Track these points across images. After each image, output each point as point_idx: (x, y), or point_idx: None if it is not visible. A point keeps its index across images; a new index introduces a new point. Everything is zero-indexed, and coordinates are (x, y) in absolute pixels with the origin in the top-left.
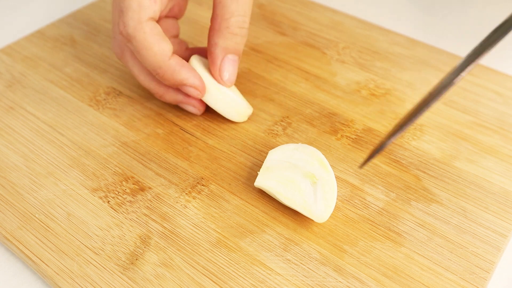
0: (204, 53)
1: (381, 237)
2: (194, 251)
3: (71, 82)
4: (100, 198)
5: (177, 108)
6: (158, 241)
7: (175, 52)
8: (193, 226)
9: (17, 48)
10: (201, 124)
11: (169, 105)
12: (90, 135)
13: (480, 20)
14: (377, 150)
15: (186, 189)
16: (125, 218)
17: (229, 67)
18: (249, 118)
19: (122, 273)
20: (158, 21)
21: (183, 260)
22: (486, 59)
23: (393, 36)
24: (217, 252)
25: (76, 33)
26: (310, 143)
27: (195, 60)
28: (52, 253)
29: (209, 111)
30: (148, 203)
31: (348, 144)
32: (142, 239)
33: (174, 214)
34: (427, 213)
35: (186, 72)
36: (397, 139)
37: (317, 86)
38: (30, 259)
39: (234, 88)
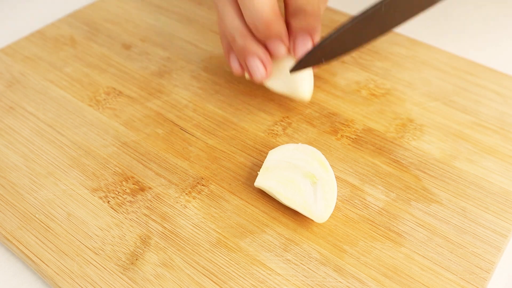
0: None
1: (381, 237)
2: (194, 251)
3: (71, 82)
4: (100, 198)
5: (177, 107)
6: (158, 241)
7: None
8: (193, 226)
9: (17, 48)
10: (201, 124)
11: (169, 105)
12: (90, 135)
13: (480, 20)
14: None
15: (186, 189)
16: (125, 218)
17: (301, 46)
18: (249, 118)
19: (122, 273)
20: None
21: (183, 260)
22: (486, 59)
23: (393, 36)
24: (217, 252)
25: (76, 33)
26: (310, 143)
27: None
28: (52, 253)
29: (209, 111)
30: (148, 203)
31: (348, 144)
32: (142, 239)
33: (174, 214)
34: (427, 213)
35: (283, 25)
36: (397, 139)
37: (317, 86)
38: (30, 259)
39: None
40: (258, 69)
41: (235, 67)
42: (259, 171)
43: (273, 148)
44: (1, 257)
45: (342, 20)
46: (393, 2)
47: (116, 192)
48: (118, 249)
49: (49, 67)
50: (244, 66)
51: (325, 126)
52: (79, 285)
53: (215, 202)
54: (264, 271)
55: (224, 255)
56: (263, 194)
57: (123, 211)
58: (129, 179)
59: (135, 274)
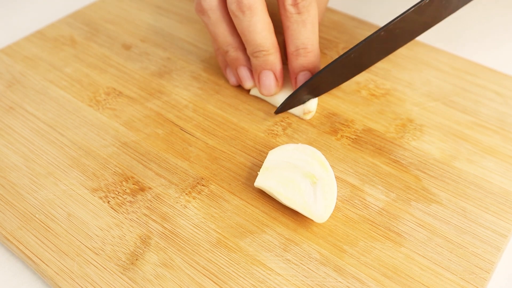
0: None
1: (381, 237)
2: (194, 251)
3: (71, 82)
4: (100, 198)
5: (177, 108)
6: (158, 241)
7: None
8: (193, 226)
9: (17, 48)
10: (201, 124)
11: (169, 105)
12: (90, 135)
13: (480, 20)
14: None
15: (186, 189)
16: (125, 218)
17: (301, 82)
18: (249, 118)
19: (122, 273)
20: None
21: (183, 260)
22: (486, 59)
23: None
24: (217, 252)
25: (76, 33)
26: (310, 143)
27: None
28: (52, 253)
29: (209, 111)
30: (148, 203)
31: (348, 144)
32: (142, 239)
33: (174, 214)
34: (427, 213)
35: (279, 60)
36: (397, 140)
37: None
38: (30, 259)
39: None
40: (248, 78)
41: (232, 80)
42: (259, 171)
43: (273, 148)
44: (1, 257)
45: (342, 20)
46: (371, 43)
47: (116, 192)
48: (118, 249)
49: (49, 67)
50: (235, 75)
51: (325, 126)
52: (79, 285)
53: (215, 202)
54: (264, 271)
55: (224, 255)
56: (263, 194)
57: (123, 211)
58: (129, 179)
59: (135, 274)
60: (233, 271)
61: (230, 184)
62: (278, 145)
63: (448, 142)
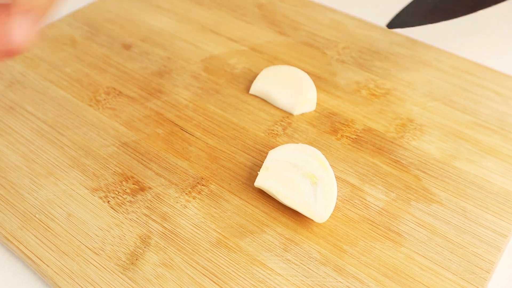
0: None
1: (381, 237)
2: (194, 251)
3: (71, 82)
4: (100, 198)
5: (177, 107)
6: (158, 241)
7: None
8: (193, 226)
9: None
10: (201, 124)
11: (169, 105)
12: (90, 135)
13: (479, 20)
14: None
15: (186, 189)
16: (125, 218)
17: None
18: (249, 118)
19: (122, 273)
20: None
21: (183, 260)
22: (486, 59)
23: (393, 36)
24: (217, 252)
25: (76, 33)
26: (310, 143)
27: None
28: (52, 253)
29: (209, 111)
30: (148, 203)
31: (348, 144)
32: (142, 239)
33: (174, 214)
34: (427, 213)
35: None
36: (397, 139)
37: (317, 86)
38: (30, 259)
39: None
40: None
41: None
42: (259, 171)
43: (273, 148)
44: (1, 257)
45: (342, 20)
46: None
47: (116, 192)
48: (118, 249)
49: (49, 67)
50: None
51: (325, 126)
52: (79, 285)
53: (215, 202)
54: (264, 271)
55: (224, 255)
56: (263, 194)
57: (123, 211)
58: (129, 179)
59: (135, 274)
60: (233, 271)
61: (230, 184)
62: (278, 145)
63: (448, 142)
